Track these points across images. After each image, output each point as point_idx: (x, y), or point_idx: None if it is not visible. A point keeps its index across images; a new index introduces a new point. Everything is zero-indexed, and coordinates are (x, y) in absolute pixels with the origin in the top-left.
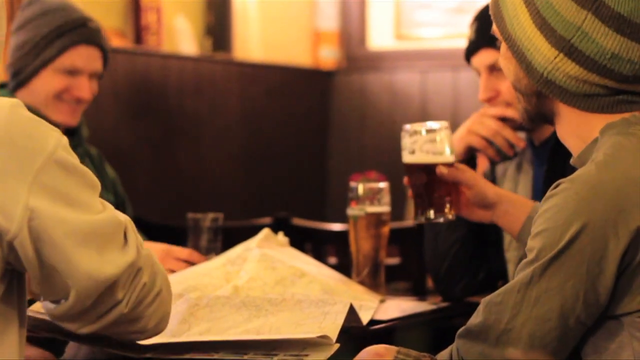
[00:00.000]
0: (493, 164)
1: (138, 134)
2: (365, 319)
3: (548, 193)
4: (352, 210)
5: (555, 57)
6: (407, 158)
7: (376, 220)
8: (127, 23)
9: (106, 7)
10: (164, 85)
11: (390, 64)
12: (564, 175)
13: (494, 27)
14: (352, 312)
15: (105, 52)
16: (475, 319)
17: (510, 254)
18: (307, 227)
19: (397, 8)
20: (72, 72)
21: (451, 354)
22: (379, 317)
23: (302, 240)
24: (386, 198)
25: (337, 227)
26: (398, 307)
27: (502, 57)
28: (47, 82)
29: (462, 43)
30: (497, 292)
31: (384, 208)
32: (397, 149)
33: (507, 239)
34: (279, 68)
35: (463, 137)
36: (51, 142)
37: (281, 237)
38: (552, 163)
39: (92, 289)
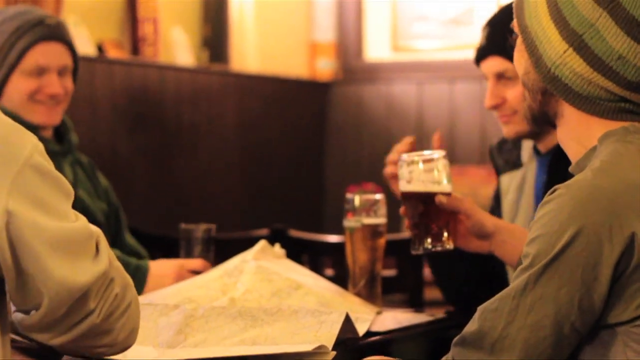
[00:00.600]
0: (499, 174)
1: (135, 145)
2: (361, 331)
3: (544, 199)
4: (349, 222)
5: (565, 51)
6: (405, 187)
7: (372, 231)
8: (124, 34)
9: (103, 19)
10: (161, 96)
11: (386, 76)
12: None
13: (514, 21)
14: (348, 322)
15: (70, 46)
16: (471, 326)
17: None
18: (304, 239)
19: (394, 20)
20: (39, 72)
21: None
22: (375, 328)
23: (299, 252)
24: (382, 209)
25: (333, 238)
26: (394, 318)
27: (516, 50)
28: (17, 86)
29: (459, 55)
30: (492, 299)
31: (380, 220)
32: None
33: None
34: (275, 79)
35: None
36: (28, 146)
37: (278, 248)
38: (552, 172)
39: (65, 297)
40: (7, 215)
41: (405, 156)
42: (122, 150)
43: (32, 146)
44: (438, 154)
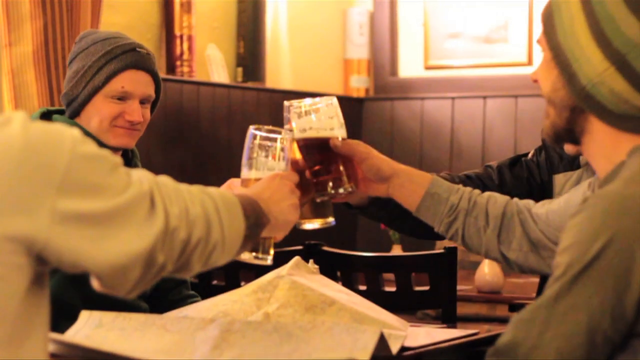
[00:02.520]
0: (550, 170)
1: (170, 161)
2: (394, 347)
3: (576, 209)
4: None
5: (605, 70)
6: (300, 135)
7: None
8: (160, 52)
9: (138, 36)
10: (196, 113)
11: (419, 93)
12: None
13: (541, 36)
14: (382, 340)
15: (156, 77)
16: (505, 337)
17: None
18: (338, 254)
19: (427, 38)
20: (123, 97)
21: None
22: (408, 344)
23: (333, 268)
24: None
25: (367, 254)
26: (428, 334)
27: (542, 66)
28: (99, 108)
29: (492, 72)
30: (526, 308)
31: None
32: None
33: None
34: (309, 96)
35: None
36: (67, 141)
37: (312, 264)
38: None
39: (119, 272)
40: (56, 215)
41: (294, 105)
42: (157, 166)
43: (71, 138)
44: (326, 100)
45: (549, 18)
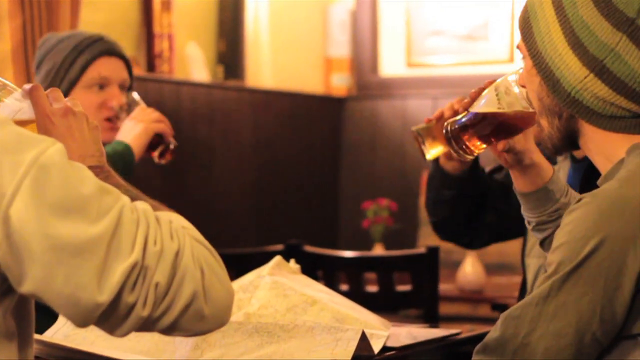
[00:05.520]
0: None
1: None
2: (376, 347)
3: (570, 207)
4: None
5: (586, 77)
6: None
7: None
8: (140, 50)
9: (119, 35)
10: (176, 113)
11: (401, 91)
12: None
13: (520, 43)
14: (363, 340)
15: (127, 62)
16: (493, 333)
17: (530, 261)
18: (319, 254)
19: (409, 35)
20: (102, 85)
21: None
22: (390, 344)
23: (314, 267)
24: None
25: (349, 254)
26: (409, 333)
27: (525, 74)
28: (80, 101)
29: (474, 70)
30: (515, 305)
31: None
32: (408, 175)
33: (528, 245)
34: (290, 95)
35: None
36: (37, 148)
37: (293, 264)
38: (586, 182)
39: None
40: (8, 221)
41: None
42: (136, 165)
43: (41, 148)
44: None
45: (526, 24)
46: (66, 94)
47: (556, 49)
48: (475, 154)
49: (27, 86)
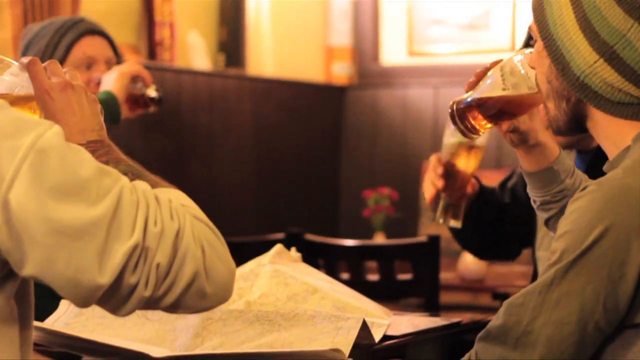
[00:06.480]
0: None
1: (151, 149)
2: (377, 336)
3: (575, 195)
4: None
5: (595, 62)
6: (507, 92)
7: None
8: (141, 39)
9: (120, 23)
10: (177, 101)
11: (402, 80)
12: None
13: (532, 24)
14: (364, 328)
15: (111, 41)
16: (496, 320)
17: (541, 254)
18: (320, 243)
19: (410, 24)
20: (88, 64)
21: (469, 357)
22: (391, 332)
23: (315, 256)
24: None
25: (349, 242)
26: (410, 322)
27: (535, 55)
28: None
29: (475, 59)
30: (519, 293)
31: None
32: (409, 164)
33: (538, 237)
34: (291, 83)
35: None
36: (34, 132)
37: (294, 252)
38: (591, 171)
39: (81, 293)
40: (7, 206)
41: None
42: (137, 154)
43: (39, 131)
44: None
45: (539, 6)
46: None
47: (567, 32)
48: (481, 134)
49: (25, 60)
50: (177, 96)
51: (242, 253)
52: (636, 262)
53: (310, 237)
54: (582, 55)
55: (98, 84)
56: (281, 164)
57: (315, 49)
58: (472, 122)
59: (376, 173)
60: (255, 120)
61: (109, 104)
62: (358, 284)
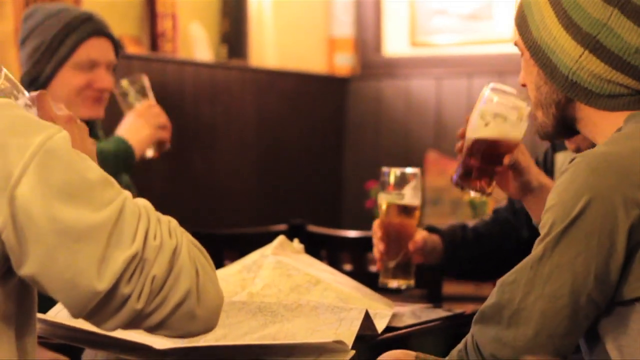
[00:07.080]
0: (554, 150)
1: None
2: (380, 327)
3: (563, 169)
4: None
5: (581, 55)
6: (484, 132)
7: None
8: (143, 30)
9: (122, 14)
10: (179, 92)
11: (405, 71)
12: None
13: (517, 39)
14: (367, 319)
15: (115, 43)
16: (489, 300)
17: None
18: (323, 234)
19: (413, 15)
20: (90, 66)
21: (466, 342)
22: (394, 324)
23: (318, 247)
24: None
25: (352, 234)
26: (413, 313)
27: (523, 69)
28: (67, 80)
29: (478, 49)
30: (510, 271)
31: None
32: (412, 155)
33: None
34: (294, 75)
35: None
36: (44, 133)
37: (296, 244)
38: None
39: (79, 298)
40: (14, 201)
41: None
42: None
43: (47, 133)
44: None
45: (522, 19)
46: (54, 72)
47: (550, 33)
48: (489, 191)
49: (35, 93)
50: (180, 88)
51: (245, 244)
52: (624, 230)
53: (313, 228)
54: (567, 52)
55: (99, 89)
56: (284, 155)
57: (317, 40)
58: (477, 184)
59: (379, 164)
60: (258, 112)
61: (127, 159)
62: (361, 275)
